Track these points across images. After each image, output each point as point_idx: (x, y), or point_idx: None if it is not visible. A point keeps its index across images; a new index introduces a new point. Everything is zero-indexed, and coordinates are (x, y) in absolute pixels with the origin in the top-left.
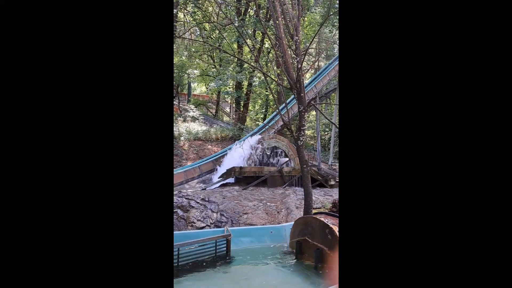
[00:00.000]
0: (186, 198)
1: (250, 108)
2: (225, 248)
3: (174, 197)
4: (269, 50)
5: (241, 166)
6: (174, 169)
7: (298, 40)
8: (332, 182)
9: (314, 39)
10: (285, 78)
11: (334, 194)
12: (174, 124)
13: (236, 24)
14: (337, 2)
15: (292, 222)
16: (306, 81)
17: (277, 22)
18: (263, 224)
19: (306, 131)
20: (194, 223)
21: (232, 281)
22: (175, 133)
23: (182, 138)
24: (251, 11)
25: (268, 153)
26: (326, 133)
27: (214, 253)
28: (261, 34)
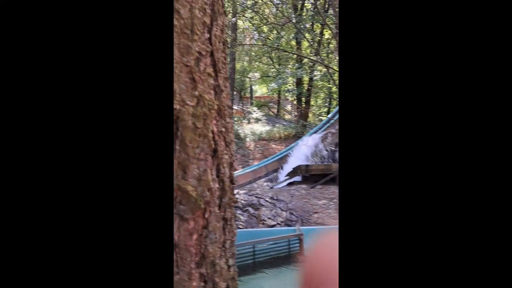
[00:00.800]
0: (256, 197)
1: (312, 103)
2: (298, 246)
3: (245, 195)
4: (329, 41)
5: (307, 164)
6: (242, 169)
7: None
8: None
9: None
10: None
11: None
12: (239, 127)
13: (294, 21)
14: None
15: None
16: None
17: (337, 9)
18: (336, 224)
19: None
20: (265, 221)
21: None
22: (241, 135)
23: (247, 139)
24: (307, 4)
25: (334, 149)
26: None
27: (288, 251)
28: (320, 26)
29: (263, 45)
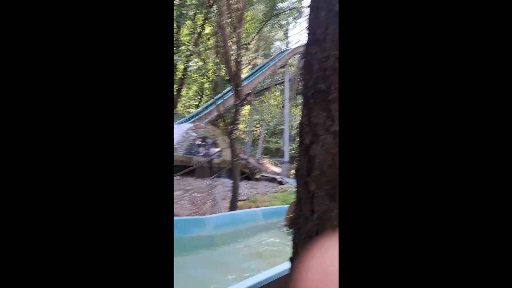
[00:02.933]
0: None
1: (183, 93)
2: None
3: None
4: (208, 37)
5: None
6: None
7: (240, 33)
8: (258, 176)
9: (254, 36)
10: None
11: (259, 187)
12: None
13: (177, 2)
14: (279, 2)
15: (216, 214)
16: (242, 76)
17: (222, 9)
18: (187, 215)
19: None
20: None
21: None
22: None
23: None
24: None
25: (199, 143)
26: (257, 128)
27: None
28: (202, 18)
29: None
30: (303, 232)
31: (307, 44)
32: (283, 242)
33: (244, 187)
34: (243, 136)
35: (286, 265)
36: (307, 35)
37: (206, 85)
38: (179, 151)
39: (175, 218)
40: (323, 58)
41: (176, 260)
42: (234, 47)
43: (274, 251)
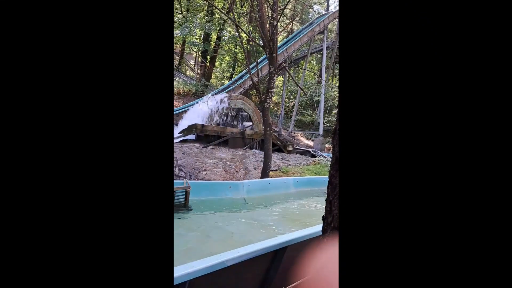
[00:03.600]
0: None
1: (216, 64)
2: (183, 198)
3: None
4: (242, 2)
5: (203, 124)
6: None
7: None
8: (290, 148)
9: (291, 1)
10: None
11: (291, 159)
12: None
13: None
14: None
15: (250, 180)
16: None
17: None
18: (219, 180)
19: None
20: None
21: (187, 228)
22: None
23: None
24: None
25: (233, 114)
26: (290, 100)
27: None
28: None
29: None
30: (336, 192)
31: None
32: (315, 207)
33: (276, 159)
34: (276, 108)
35: (319, 226)
36: None
37: (240, 55)
38: (213, 122)
39: (212, 181)
40: None
41: (212, 217)
42: (269, 12)
43: (306, 215)
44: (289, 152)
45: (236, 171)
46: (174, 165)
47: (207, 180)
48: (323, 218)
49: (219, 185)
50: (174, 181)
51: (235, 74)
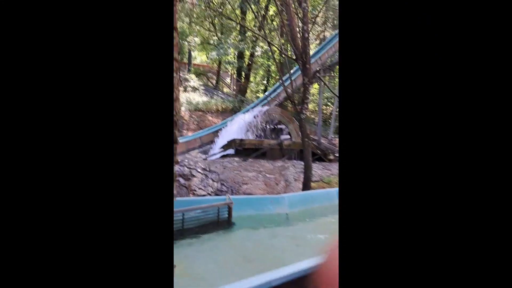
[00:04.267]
0: (187, 167)
1: (251, 79)
2: (227, 215)
3: (176, 166)
4: (272, 18)
5: (241, 138)
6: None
7: (306, 7)
8: (331, 157)
9: (321, 8)
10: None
11: (333, 168)
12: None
13: None
14: None
15: (291, 193)
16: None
17: None
18: (262, 194)
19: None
20: (195, 191)
21: (232, 245)
22: None
23: (182, 108)
24: None
25: (270, 127)
26: (327, 107)
27: (217, 219)
28: (266, 0)
29: (206, 7)
30: None
31: None
32: None
33: (317, 168)
34: (312, 116)
35: None
36: None
37: (273, 68)
38: (249, 136)
39: (252, 196)
40: None
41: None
42: (299, 23)
43: None
44: (330, 161)
45: (276, 184)
46: (216, 180)
47: (248, 194)
48: None
49: (261, 199)
50: (217, 197)
51: (270, 87)
